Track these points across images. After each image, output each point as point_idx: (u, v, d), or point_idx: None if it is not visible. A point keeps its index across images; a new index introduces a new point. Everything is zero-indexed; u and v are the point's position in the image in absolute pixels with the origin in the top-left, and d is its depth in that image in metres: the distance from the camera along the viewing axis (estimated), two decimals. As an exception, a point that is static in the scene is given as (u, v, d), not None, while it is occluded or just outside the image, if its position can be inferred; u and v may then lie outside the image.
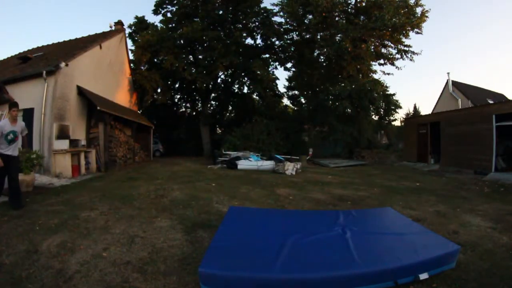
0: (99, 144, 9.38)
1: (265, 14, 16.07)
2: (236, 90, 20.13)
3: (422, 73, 58.04)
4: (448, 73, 20.91)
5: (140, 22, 16.83)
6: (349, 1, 14.42)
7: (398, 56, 14.97)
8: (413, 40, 41.54)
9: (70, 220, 3.62)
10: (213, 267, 1.99)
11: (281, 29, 16.38)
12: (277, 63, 17.95)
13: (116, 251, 2.74)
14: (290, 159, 10.72)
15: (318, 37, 15.16)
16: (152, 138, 15.37)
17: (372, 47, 14.74)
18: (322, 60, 16.49)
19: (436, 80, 59.55)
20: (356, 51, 13.59)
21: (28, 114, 7.47)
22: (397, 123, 21.79)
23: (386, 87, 15.84)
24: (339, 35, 14.04)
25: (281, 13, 15.43)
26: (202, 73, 15.19)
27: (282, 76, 61.22)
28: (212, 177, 8.06)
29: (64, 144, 7.64)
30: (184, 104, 21.76)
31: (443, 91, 19.09)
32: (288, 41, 16.90)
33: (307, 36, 15.74)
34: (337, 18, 14.42)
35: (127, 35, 14.00)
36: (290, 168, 9.33)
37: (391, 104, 15.67)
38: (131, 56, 14.92)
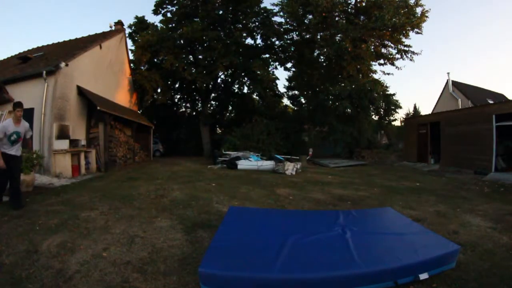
0: (99, 144, 9.38)
1: (265, 14, 16.06)
2: (236, 90, 20.13)
3: (422, 73, 58.12)
4: (448, 73, 20.96)
5: (140, 22, 16.81)
6: (349, 1, 14.41)
7: (398, 56, 14.96)
8: (413, 40, 41.74)
9: (70, 220, 3.62)
10: (213, 267, 1.99)
11: (281, 29, 16.36)
12: (277, 63, 17.95)
13: (116, 251, 2.74)
14: (290, 159, 10.72)
15: (318, 37, 15.14)
16: (152, 138, 15.36)
17: (372, 47, 14.72)
18: (322, 60, 16.48)
19: (436, 80, 59.70)
20: (356, 51, 13.58)
21: (28, 114, 7.43)
22: (397, 123, 21.83)
23: (386, 87, 15.88)
24: (339, 35, 14.03)
25: (281, 13, 15.42)
26: (202, 73, 15.17)
27: (282, 76, 61.37)
28: (212, 177, 8.06)
29: (64, 144, 7.63)
30: (184, 104, 21.78)
31: (443, 91, 19.10)
32: (288, 41, 16.89)
33: (307, 36, 15.73)
34: (337, 18, 14.40)
35: (127, 35, 14.01)
36: (290, 168, 9.33)
37: (391, 104, 15.68)
38: (131, 56, 14.92)
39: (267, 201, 5.16)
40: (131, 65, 14.73)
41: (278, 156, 10.99)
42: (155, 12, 16.55)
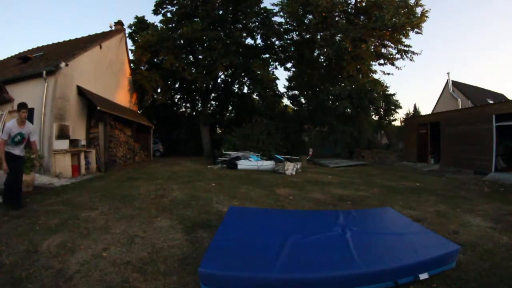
0: (99, 144, 9.38)
1: (265, 14, 16.06)
2: (236, 90, 20.13)
3: (422, 73, 58.12)
4: (448, 73, 20.96)
5: (140, 22, 16.81)
6: (349, 1, 14.41)
7: (398, 56, 14.96)
8: (413, 40, 41.74)
9: (70, 220, 3.62)
10: (213, 267, 1.99)
11: (281, 29, 16.36)
12: (277, 63, 17.95)
13: (116, 251, 2.74)
14: (290, 159, 10.71)
15: (318, 37, 15.14)
16: (152, 138, 15.36)
17: (372, 47, 14.72)
18: (322, 60, 16.48)
19: (436, 80, 59.71)
20: (356, 51, 13.58)
21: (28, 114, 7.37)
22: (397, 123, 21.83)
23: (386, 87, 15.88)
24: (339, 35, 14.02)
25: (281, 13, 15.42)
26: (202, 73, 15.18)
27: (282, 76, 61.35)
28: (212, 177, 8.06)
29: (64, 144, 7.63)
30: (184, 104, 21.78)
31: (443, 91, 19.09)
32: (288, 41, 16.89)
33: (307, 36, 15.72)
34: (337, 18, 14.40)
35: (127, 35, 14.02)
36: (290, 168, 9.32)
37: (391, 104, 15.68)
38: (131, 56, 14.92)
39: (267, 201, 5.16)
40: (131, 65, 14.73)
41: (278, 156, 10.99)
42: (155, 12, 16.56)
